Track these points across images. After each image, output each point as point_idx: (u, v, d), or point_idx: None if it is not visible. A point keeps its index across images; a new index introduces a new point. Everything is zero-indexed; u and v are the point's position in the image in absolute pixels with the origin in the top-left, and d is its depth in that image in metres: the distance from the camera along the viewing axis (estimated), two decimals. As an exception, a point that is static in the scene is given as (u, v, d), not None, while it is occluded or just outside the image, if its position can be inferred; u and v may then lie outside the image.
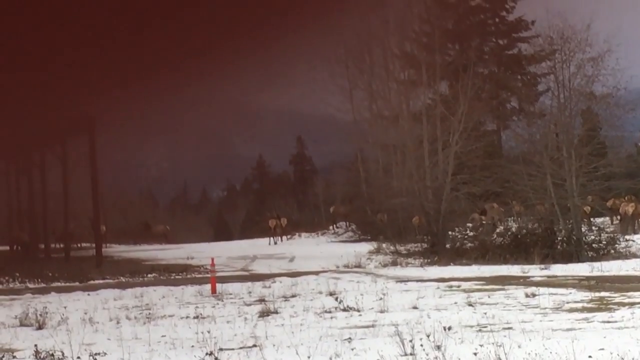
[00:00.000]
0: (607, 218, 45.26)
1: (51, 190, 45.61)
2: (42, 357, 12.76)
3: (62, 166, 42.65)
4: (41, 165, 45.38)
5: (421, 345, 11.90)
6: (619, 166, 38.97)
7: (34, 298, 24.57)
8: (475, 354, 11.58)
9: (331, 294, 21.18)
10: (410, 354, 11.86)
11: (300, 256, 40.07)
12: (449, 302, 19.11)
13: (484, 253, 34.79)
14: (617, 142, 40.49)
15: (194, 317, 18.01)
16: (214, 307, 20.25)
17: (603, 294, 19.37)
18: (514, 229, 37.45)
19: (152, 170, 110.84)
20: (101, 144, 40.94)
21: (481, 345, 12.10)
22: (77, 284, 30.17)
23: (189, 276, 32.56)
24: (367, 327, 15.34)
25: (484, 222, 42.75)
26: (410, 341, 12.04)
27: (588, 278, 23.71)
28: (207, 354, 12.32)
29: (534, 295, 19.24)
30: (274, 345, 13.50)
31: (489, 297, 19.86)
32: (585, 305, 17.59)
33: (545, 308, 17.26)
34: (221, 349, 13.02)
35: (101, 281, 30.98)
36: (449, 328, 13.87)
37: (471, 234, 39.25)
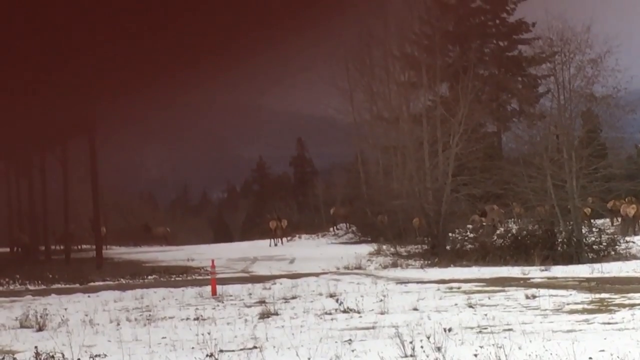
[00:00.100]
0: (608, 219, 45.26)
1: (51, 191, 45.62)
2: (42, 358, 12.75)
3: (62, 168, 42.65)
4: (41, 166, 45.39)
5: (421, 346, 11.91)
6: (619, 168, 38.96)
7: (34, 300, 24.57)
8: (475, 355, 11.58)
9: (331, 296, 21.19)
10: (411, 356, 11.87)
11: (301, 258, 40.08)
12: (449, 303, 19.11)
13: (484, 255, 34.79)
14: (617, 144, 40.48)
15: (194, 319, 18.01)
16: (214, 308, 20.26)
17: (603, 295, 19.37)
18: (514, 231, 37.45)
19: (153, 172, 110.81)
20: (101, 145, 40.93)
21: (481, 347, 12.10)
22: (77, 285, 30.17)
23: (189, 278, 32.56)
24: (368, 328, 15.34)
25: (484, 223, 42.76)
26: (411, 343, 12.04)
27: (588, 279, 23.72)
28: (207, 355, 12.33)
29: (534, 296, 19.24)
30: (274, 346, 13.50)
31: (489, 298, 19.85)
32: (586, 306, 17.59)
33: (546, 309, 17.26)
34: (221, 351, 13.03)
35: (101, 283, 30.98)
36: (450, 329, 13.86)
37: (471, 235, 39.26)
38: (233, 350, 13.35)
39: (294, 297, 21.89)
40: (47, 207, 45.96)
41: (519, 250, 34.19)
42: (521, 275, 26.35)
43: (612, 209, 44.55)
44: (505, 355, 11.16)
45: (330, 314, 17.84)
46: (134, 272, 34.32)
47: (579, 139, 35.67)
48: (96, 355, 12.90)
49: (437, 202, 39.11)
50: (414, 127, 43.07)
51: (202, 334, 14.44)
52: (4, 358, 13.93)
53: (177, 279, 32.47)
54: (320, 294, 22.34)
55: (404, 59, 49.28)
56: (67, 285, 30.27)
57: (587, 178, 35.32)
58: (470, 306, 18.29)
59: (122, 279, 32.36)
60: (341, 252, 40.18)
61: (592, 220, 39.94)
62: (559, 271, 27.86)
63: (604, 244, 34.76)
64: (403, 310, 18.00)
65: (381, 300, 19.15)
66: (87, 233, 49.40)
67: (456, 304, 18.82)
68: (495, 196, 42.45)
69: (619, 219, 44.69)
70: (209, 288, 24.52)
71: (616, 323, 14.74)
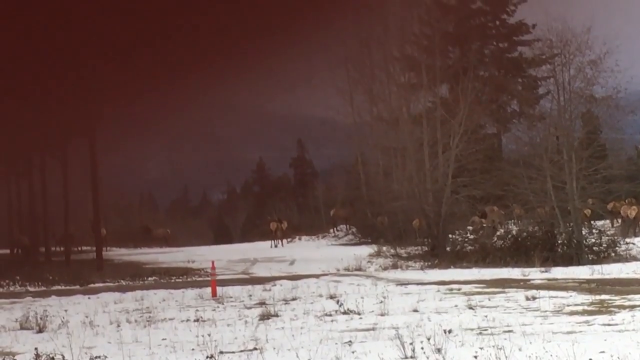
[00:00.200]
0: (608, 221, 45.27)
1: (51, 193, 45.60)
2: (42, 360, 12.76)
3: (62, 169, 42.65)
4: (41, 168, 45.38)
5: (422, 348, 11.90)
6: (620, 169, 38.99)
7: (34, 301, 24.57)
8: (475, 357, 11.58)
9: (332, 297, 21.19)
10: (411, 357, 11.86)
11: (301, 259, 40.09)
12: (450, 305, 19.11)
13: (485, 256, 34.81)
14: (617, 145, 40.52)
15: (195, 320, 18.00)
16: (214, 310, 20.25)
17: (603, 296, 19.37)
18: (514, 232, 37.49)
19: (153, 173, 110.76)
20: (101, 146, 40.94)
21: (481, 348, 12.10)
22: (77, 287, 30.19)
23: (189, 279, 32.58)
24: (368, 330, 15.34)
25: (484, 225, 42.76)
26: (411, 344, 12.04)
27: (588, 281, 23.72)
28: (207, 357, 12.33)
29: (534, 298, 19.24)
30: (274, 348, 13.49)
31: (489, 300, 19.86)
32: (586, 308, 17.59)
33: (546, 311, 17.26)
34: (222, 352, 13.03)
35: (101, 284, 31.00)
36: (450, 331, 13.86)
37: (471, 236, 39.27)
38: (233, 352, 13.35)
39: (294, 299, 21.89)
40: (47, 208, 45.95)
41: (519, 252, 34.21)
42: (521, 277, 26.36)
43: (612, 210, 44.56)
44: (506, 357, 11.16)
45: (331, 315, 17.83)
46: (134, 274, 34.34)
47: (579, 140, 35.68)
48: (96, 357, 12.89)
49: (437, 204, 39.11)
50: (414, 128, 43.07)
51: (202, 336, 14.44)
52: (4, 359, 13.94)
53: (177, 280, 32.49)
54: (321, 296, 22.34)
55: (404, 60, 49.30)
56: (67, 287, 30.29)
57: (587, 179, 35.33)
58: (471, 307, 18.29)
59: (122, 281, 32.38)
60: (341, 253, 40.20)
61: (592, 222, 39.98)
62: (559, 273, 27.87)
63: (604, 245, 34.78)
64: (403, 312, 18.00)
65: (381, 302, 19.14)
66: (87, 234, 49.37)
67: (456, 306, 18.82)
68: (496, 197, 42.47)
69: (619, 221, 44.69)
70: (209, 289, 24.52)
71: (616, 324, 14.73)
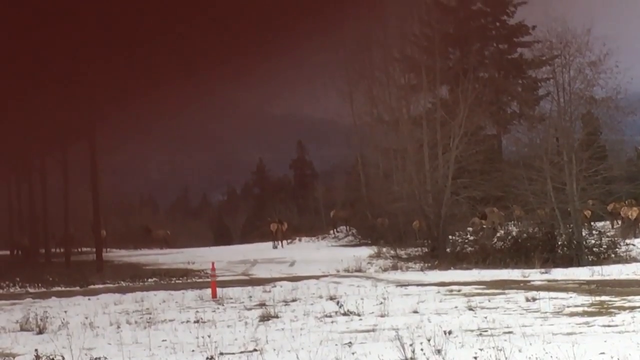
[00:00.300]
0: (608, 222, 45.27)
1: (52, 194, 45.63)
2: (42, 361, 12.76)
3: (62, 171, 42.67)
4: (42, 169, 45.41)
5: (422, 349, 11.90)
6: (620, 170, 39.00)
7: (34, 302, 24.57)
8: (475, 358, 11.57)
9: (332, 298, 21.19)
10: (411, 359, 11.86)
11: (301, 260, 40.08)
12: (450, 306, 19.10)
13: (485, 257, 34.81)
14: (617, 146, 40.56)
15: (195, 322, 18.00)
16: (214, 311, 20.25)
17: (604, 298, 19.36)
18: (514, 233, 37.49)
19: (153, 175, 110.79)
20: (101, 148, 40.96)
21: (481, 350, 12.10)
22: (77, 288, 30.18)
23: (189, 280, 32.58)
24: (368, 331, 15.33)
25: (484, 226, 42.76)
26: (411, 345, 12.03)
27: (589, 282, 23.72)
28: (207, 358, 12.33)
29: (534, 299, 19.23)
30: (274, 349, 13.49)
31: (489, 301, 19.85)
32: (586, 309, 17.58)
33: (546, 312, 17.26)
34: (222, 353, 13.03)
35: (101, 286, 31.00)
36: (450, 332, 13.86)
37: (471, 238, 39.27)
38: (233, 353, 13.35)
39: (294, 300, 21.88)
40: (47, 210, 46.00)
41: (519, 253, 34.20)
42: (521, 278, 26.36)
43: (612, 211, 44.56)
44: (506, 358, 11.16)
45: (331, 316, 17.83)
46: (134, 275, 34.35)
47: (579, 142, 35.69)
48: (96, 358, 12.89)
49: (437, 205, 39.12)
50: (414, 130, 43.09)
51: (202, 337, 14.43)
52: (4, 361, 13.95)
53: (177, 281, 32.49)
54: (321, 297, 22.33)
55: (404, 61, 49.33)
56: (67, 288, 30.28)
57: (587, 180, 35.34)
58: (471, 309, 18.28)
59: (122, 282, 32.39)
60: (341, 254, 40.19)
61: (592, 223, 39.98)
62: (559, 274, 27.87)
63: (604, 246, 34.78)
64: (403, 313, 17.99)
65: (381, 303, 19.14)
66: (87, 236, 49.40)
67: (456, 307, 18.81)
68: (496, 199, 42.49)
69: (619, 222, 44.69)
70: (209, 291, 24.51)
71: (616, 325, 14.73)
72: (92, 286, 30.80)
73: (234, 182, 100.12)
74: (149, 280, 33.12)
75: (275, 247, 50.57)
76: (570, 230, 34.75)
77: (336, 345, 13.49)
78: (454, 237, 39.19)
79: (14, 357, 14.25)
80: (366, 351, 12.75)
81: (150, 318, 19.01)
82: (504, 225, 43.73)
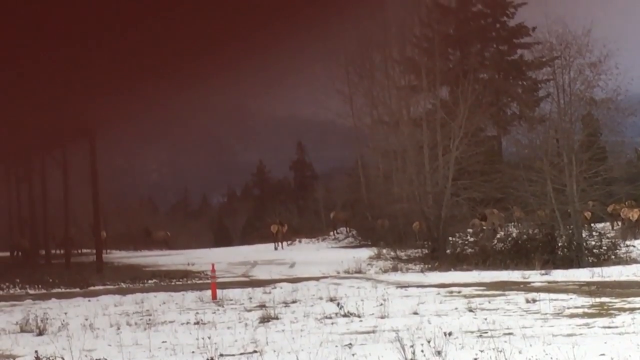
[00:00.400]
0: (608, 223, 45.26)
1: (51, 196, 45.60)
2: (42, 363, 12.76)
3: (62, 172, 42.65)
4: (41, 171, 45.37)
5: (422, 350, 11.90)
6: (620, 171, 39.00)
7: (34, 304, 24.57)
8: (475, 359, 11.58)
9: (332, 300, 21.20)
10: (411, 360, 11.86)
11: (301, 262, 40.06)
12: (450, 307, 19.11)
13: (485, 259, 34.80)
14: (617, 147, 40.53)
15: (195, 323, 18.00)
16: (214, 312, 20.25)
17: (604, 299, 19.36)
18: (514, 235, 37.49)
19: (153, 176, 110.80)
20: (101, 149, 40.94)
21: (482, 351, 12.11)
22: (77, 290, 30.16)
23: (189, 282, 32.55)
24: (368, 332, 15.33)
25: (484, 227, 42.75)
26: (411, 347, 12.03)
27: (589, 283, 23.72)
28: (207, 359, 12.32)
29: (534, 300, 19.23)
30: (274, 350, 13.49)
31: (489, 302, 19.85)
32: (586, 310, 17.59)
33: (546, 313, 17.26)
34: (222, 355, 13.03)
35: (101, 287, 30.98)
36: (450, 334, 13.86)
37: (472, 239, 39.27)
38: (233, 355, 13.35)
39: (294, 301, 21.88)
40: (47, 211, 45.95)
41: (519, 254, 34.21)
42: (521, 279, 26.36)
43: (613, 212, 44.55)
44: (506, 359, 11.16)
45: (331, 318, 17.83)
46: (134, 276, 34.32)
47: (579, 143, 35.70)
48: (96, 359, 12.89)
49: (437, 206, 39.11)
50: (414, 131, 43.10)
51: (203, 338, 14.43)
52: (4, 362, 13.94)
53: (177, 283, 32.47)
54: (321, 298, 22.34)
55: (404, 63, 49.36)
56: (67, 290, 30.26)
57: (587, 182, 35.35)
58: (471, 310, 18.28)
59: (122, 283, 32.38)
60: (341, 256, 40.18)
61: (592, 224, 39.96)
62: (559, 275, 27.87)
63: (605, 247, 34.79)
64: (403, 314, 18.00)
65: (381, 304, 19.15)
66: (87, 237, 49.34)
67: (456, 308, 18.82)
68: (496, 200, 42.49)
69: (619, 223, 44.69)
70: (209, 292, 24.51)
71: (616, 327, 14.73)
72: (92, 287, 30.78)
73: (234, 184, 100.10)
74: (149, 281, 33.11)
75: (276, 248, 50.56)
76: (571, 231, 34.75)
77: (336, 346, 13.49)
78: (454, 239, 39.19)
79: (14, 359, 14.25)
80: (366, 352, 12.75)
81: (150, 319, 19.01)
82: (504, 227, 43.72)
